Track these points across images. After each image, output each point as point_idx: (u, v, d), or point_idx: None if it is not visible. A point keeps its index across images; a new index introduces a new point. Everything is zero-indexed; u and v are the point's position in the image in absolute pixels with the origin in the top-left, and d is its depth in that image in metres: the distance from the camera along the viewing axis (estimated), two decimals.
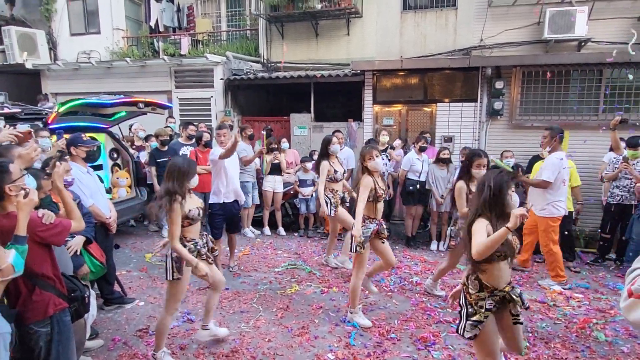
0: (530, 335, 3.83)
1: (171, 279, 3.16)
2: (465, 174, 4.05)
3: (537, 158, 6.10)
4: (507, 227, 2.29)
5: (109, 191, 5.91)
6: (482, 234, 2.44)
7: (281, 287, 4.84)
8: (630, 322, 1.31)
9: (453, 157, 6.75)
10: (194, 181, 3.25)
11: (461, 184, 4.04)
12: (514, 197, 2.60)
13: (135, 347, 3.59)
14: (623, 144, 5.61)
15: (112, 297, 4.21)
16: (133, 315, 4.14)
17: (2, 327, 2.05)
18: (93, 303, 3.45)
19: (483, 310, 2.53)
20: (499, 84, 7.00)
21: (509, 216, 2.35)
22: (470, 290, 2.59)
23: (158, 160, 6.44)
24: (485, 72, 7.03)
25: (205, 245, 3.37)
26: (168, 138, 6.61)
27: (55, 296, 2.52)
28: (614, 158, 5.62)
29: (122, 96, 5.60)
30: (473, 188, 3.77)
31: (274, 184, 6.85)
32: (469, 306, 2.58)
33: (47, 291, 2.48)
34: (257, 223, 7.16)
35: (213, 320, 3.67)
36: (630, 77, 6.53)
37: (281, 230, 7.08)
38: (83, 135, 3.99)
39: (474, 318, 2.54)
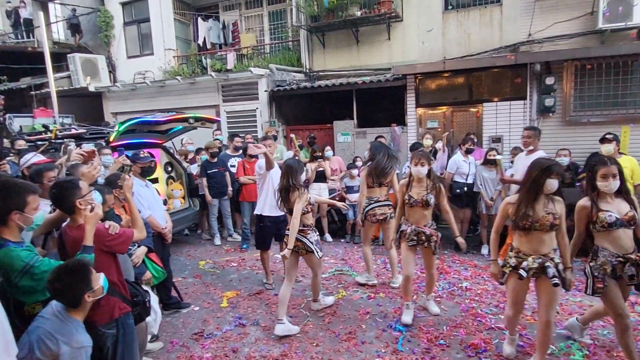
0: (591, 343, 3.62)
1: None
2: (591, 189, 3.12)
3: (595, 156, 5.76)
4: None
5: (164, 203, 6.27)
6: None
7: (328, 293, 4.90)
8: None
9: (503, 157, 6.53)
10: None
11: (584, 202, 3.12)
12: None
13: (192, 349, 3.79)
14: None
15: (169, 302, 4.47)
16: (189, 319, 4.37)
17: (85, 341, 2.27)
18: (158, 307, 3.71)
19: (508, 266, 3.16)
20: (549, 80, 6.71)
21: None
22: (509, 252, 3.24)
23: (208, 172, 6.76)
24: (534, 68, 6.75)
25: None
26: (217, 150, 6.93)
27: (120, 300, 2.74)
28: None
29: (174, 113, 5.95)
30: (603, 206, 3.00)
31: (319, 192, 6.95)
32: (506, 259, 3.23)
33: (113, 296, 2.71)
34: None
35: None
36: None
37: (328, 237, 7.15)
38: (142, 152, 4.31)
39: (504, 269, 3.20)
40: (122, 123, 5.14)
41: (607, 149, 5.35)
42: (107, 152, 4.61)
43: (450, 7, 8.38)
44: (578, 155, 6.32)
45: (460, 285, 4.99)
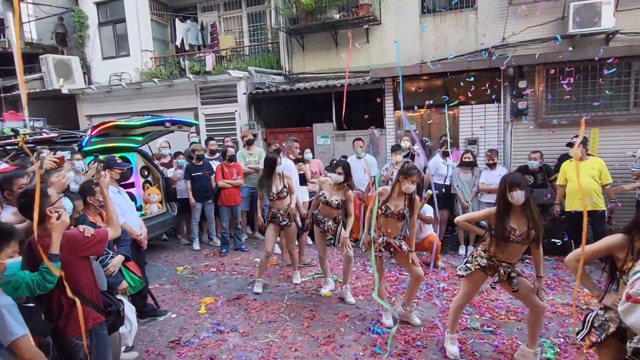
0: (562, 341, 3.73)
1: None
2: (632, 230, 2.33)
3: (565, 157, 5.94)
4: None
5: (139, 209, 6.16)
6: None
7: (307, 297, 4.91)
8: (629, 325, 1.29)
9: (479, 159, 6.67)
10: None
11: (620, 240, 2.36)
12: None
13: (168, 358, 3.74)
14: None
15: (145, 310, 4.39)
16: (165, 327, 4.31)
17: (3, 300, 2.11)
18: (134, 318, 3.65)
19: (477, 264, 3.30)
20: (522, 84, 6.86)
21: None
22: (479, 248, 3.38)
23: (193, 175, 6.70)
24: (508, 72, 6.90)
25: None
26: (203, 153, 6.87)
27: (94, 310, 2.70)
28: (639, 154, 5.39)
29: (149, 116, 5.86)
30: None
31: (300, 194, 6.94)
32: (470, 256, 3.41)
33: (86, 306, 2.66)
34: None
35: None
36: None
37: (308, 240, 7.15)
38: (116, 157, 4.23)
39: (469, 265, 3.35)
40: (95, 127, 5.00)
41: (575, 152, 5.53)
42: (79, 158, 4.50)
43: (427, 11, 8.50)
44: (550, 156, 6.50)
45: (437, 286, 5.06)
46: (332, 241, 4.83)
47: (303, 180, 6.96)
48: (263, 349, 3.78)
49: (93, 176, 3.71)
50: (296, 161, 6.92)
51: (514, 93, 7.07)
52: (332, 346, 3.78)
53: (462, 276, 3.40)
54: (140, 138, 6.24)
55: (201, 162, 6.77)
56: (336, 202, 4.59)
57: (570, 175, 5.46)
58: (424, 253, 6.01)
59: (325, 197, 4.62)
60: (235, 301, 4.87)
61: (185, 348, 3.88)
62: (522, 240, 3.11)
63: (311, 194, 7.06)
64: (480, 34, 8.01)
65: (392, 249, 4.02)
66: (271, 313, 4.52)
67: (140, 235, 4.09)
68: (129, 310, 3.61)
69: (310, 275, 5.59)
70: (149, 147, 6.95)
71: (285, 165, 6.11)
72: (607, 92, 6.70)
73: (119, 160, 4.10)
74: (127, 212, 4.00)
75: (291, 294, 5.00)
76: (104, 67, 11.29)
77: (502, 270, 3.22)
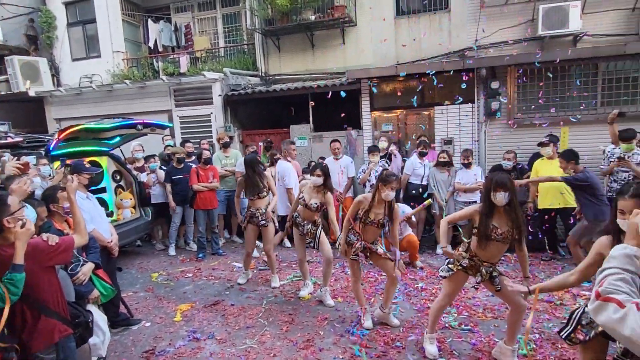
0: (538, 337, 3.78)
1: None
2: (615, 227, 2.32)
3: (537, 156, 6.08)
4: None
5: (110, 214, 5.98)
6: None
7: (286, 300, 4.85)
8: (600, 325, 1.29)
9: (454, 159, 6.75)
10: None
11: (603, 241, 2.40)
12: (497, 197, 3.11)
13: None
14: None
15: (117, 319, 4.25)
16: (139, 336, 4.17)
17: None
18: (106, 328, 3.51)
19: (459, 264, 3.30)
20: (494, 84, 6.99)
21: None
22: (460, 248, 3.42)
23: (173, 178, 6.57)
24: (480, 73, 7.02)
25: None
26: (184, 156, 6.74)
27: (60, 323, 2.58)
28: (609, 152, 5.55)
29: (120, 119, 5.69)
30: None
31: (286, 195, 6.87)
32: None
33: (52, 318, 2.54)
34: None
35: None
36: None
37: (286, 242, 7.10)
38: (84, 161, 4.08)
39: (451, 266, 3.35)
40: (63, 130, 4.81)
41: (546, 151, 5.67)
42: (45, 163, 4.32)
43: (401, 13, 8.56)
44: (523, 155, 6.63)
45: (416, 285, 5.09)
46: (312, 244, 4.78)
47: None
48: (241, 356, 3.70)
49: (60, 181, 3.57)
50: (276, 162, 6.86)
51: (485, 93, 7.19)
52: (311, 350, 3.73)
53: (444, 277, 3.40)
54: (113, 141, 6.05)
55: (182, 165, 6.64)
56: (315, 205, 4.56)
57: (542, 174, 5.59)
58: (403, 253, 6.03)
59: (304, 200, 4.59)
60: (212, 307, 4.77)
61: (160, 358, 3.77)
62: (503, 239, 3.13)
63: None
64: (453, 36, 8.12)
65: (368, 252, 4.02)
66: (249, 318, 4.44)
67: (111, 241, 3.95)
68: (101, 319, 3.48)
69: (289, 278, 5.53)
70: (121, 151, 6.75)
71: (285, 167, 6.09)
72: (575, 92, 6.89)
73: (87, 165, 3.95)
74: (96, 218, 3.86)
75: (270, 298, 4.94)
76: (73, 69, 10.92)
77: (484, 270, 3.23)
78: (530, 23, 7.62)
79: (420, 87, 7.44)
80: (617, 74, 6.79)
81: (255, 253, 6.58)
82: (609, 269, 1.33)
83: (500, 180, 3.07)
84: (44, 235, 2.50)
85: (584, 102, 6.92)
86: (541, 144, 5.82)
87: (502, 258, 5.88)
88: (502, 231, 3.13)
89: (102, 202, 6.18)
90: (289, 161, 6.47)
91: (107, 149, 6.30)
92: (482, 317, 4.22)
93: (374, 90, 7.77)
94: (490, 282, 3.28)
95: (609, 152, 5.57)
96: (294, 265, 6.02)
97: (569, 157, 5.01)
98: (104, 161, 6.21)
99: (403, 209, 5.78)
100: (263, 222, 5.06)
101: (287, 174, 6.13)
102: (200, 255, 6.55)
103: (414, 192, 6.35)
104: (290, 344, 3.87)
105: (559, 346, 3.59)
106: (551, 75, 6.85)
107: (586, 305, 2.37)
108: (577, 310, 2.51)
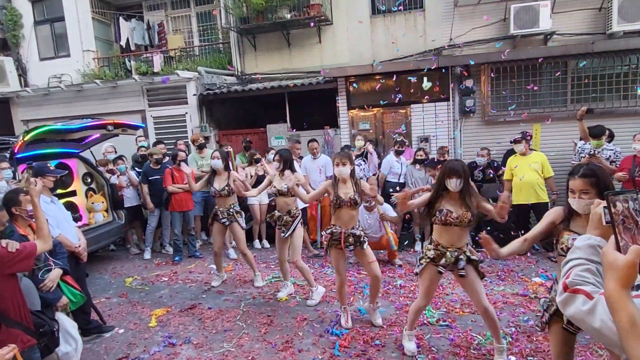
0: (514, 330, 3.83)
1: None
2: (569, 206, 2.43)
3: (511, 152, 6.18)
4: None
5: (77, 219, 5.77)
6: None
7: (265, 302, 4.78)
8: (568, 317, 1.27)
9: (431, 156, 6.80)
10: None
11: (558, 211, 2.53)
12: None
13: None
14: None
15: (89, 327, 4.10)
16: (112, 344, 4.04)
17: None
18: (78, 335, 3.37)
19: (426, 257, 3.27)
20: (468, 82, 7.09)
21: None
22: (426, 243, 3.39)
23: (150, 179, 6.43)
24: (455, 72, 7.10)
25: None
26: (162, 157, 6.59)
27: (23, 333, 2.45)
28: (579, 147, 5.69)
29: (90, 120, 5.51)
30: (572, 225, 2.40)
31: (259, 197, 6.78)
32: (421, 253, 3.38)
33: (14, 328, 2.42)
34: None
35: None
36: None
37: (265, 243, 7.02)
38: (49, 164, 3.92)
39: (420, 261, 3.32)
40: (28, 132, 4.63)
41: (518, 148, 5.78)
42: (6, 166, 4.12)
43: (377, 12, 8.59)
44: (497, 152, 6.74)
45: (394, 283, 5.09)
46: (285, 235, 4.66)
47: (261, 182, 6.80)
48: None
49: (24, 185, 3.41)
50: (256, 161, 6.78)
51: (461, 91, 7.28)
52: (290, 352, 3.68)
53: (417, 273, 3.38)
54: (82, 143, 5.85)
55: (159, 166, 6.48)
56: (285, 188, 4.53)
57: (515, 170, 5.69)
58: (382, 252, 6.04)
59: (275, 187, 4.62)
60: (188, 311, 4.66)
61: None
62: (459, 222, 3.13)
63: (270, 196, 6.94)
64: (428, 35, 8.20)
65: (352, 244, 3.90)
66: (227, 321, 4.35)
67: (79, 246, 3.80)
68: (71, 327, 3.33)
69: (268, 279, 5.46)
70: (91, 152, 6.54)
71: (314, 162, 6.42)
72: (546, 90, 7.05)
73: (52, 167, 3.78)
74: (62, 222, 3.70)
75: (248, 300, 4.86)
76: (41, 69, 10.53)
77: (448, 254, 3.18)
78: (503, 22, 7.76)
79: (398, 86, 7.47)
80: (586, 72, 6.98)
81: (233, 254, 6.50)
82: (574, 260, 1.31)
83: (453, 167, 3.11)
84: (3, 242, 2.37)
85: (555, 99, 7.08)
86: (514, 141, 5.92)
87: (478, 253, 5.98)
88: (457, 215, 3.13)
89: (73, 206, 5.99)
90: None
91: (76, 151, 6.10)
92: (459, 312, 4.26)
93: (354, 85, 7.74)
94: (455, 266, 3.20)
95: (579, 147, 5.71)
96: (272, 266, 5.95)
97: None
98: (73, 163, 6.00)
99: (384, 208, 5.79)
100: (224, 220, 5.04)
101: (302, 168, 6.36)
102: (177, 258, 6.40)
103: (391, 190, 6.34)
104: (269, 346, 3.81)
105: (534, 339, 3.65)
106: (523, 74, 7.00)
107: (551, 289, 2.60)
108: (542, 300, 2.65)
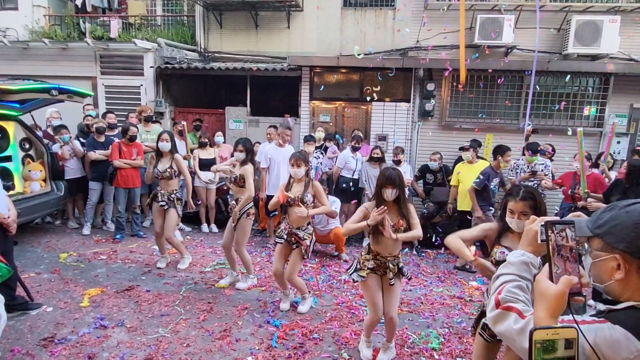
0: (447, 331, 3.99)
1: None
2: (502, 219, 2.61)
3: (460, 159, 6.38)
4: (367, 223, 3.12)
5: (10, 187, 5.37)
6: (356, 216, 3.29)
7: (207, 288, 4.69)
8: (497, 334, 1.28)
9: (386, 156, 6.89)
10: None
11: (492, 226, 2.68)
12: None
13: (38, 358, 3.31)
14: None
15: (14, 302, 3.84)
16: (38, 322, 3.81)
17: None
18: (3, 310, 3.13)
19: (366, 268, 3.29)
20: (430, 86, 7.23)
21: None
22: (362, 252, 3.41)
23: (96, 150, 6.15)
24: (418, 74, 7.21)
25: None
26: (104, 126, 6.27)
27: None
28: (514, 163, 5.94)
29: (31, 81, 5.11)
30: (504, 240, 2.56)
31: (207, 180, 6.62)
32: (357, 263, 3.38)
33: None
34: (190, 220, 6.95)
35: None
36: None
37: (214, 227, 6.88)
38: None
39: (361, 273, 3.31)
40: None
41: (465, 155, 6.00)
42: None
43: (348, 5, 8.54)
44: (450, 157, 6.95)
45: (339, 278, 5.15)
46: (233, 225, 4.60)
47: (209, 166, 6.63)
48: (151, 345, 3.51)
49: None
50: (203, 145, 6.60)
51: (422, 94, 7.41)
52: (227, 340, 3.64)
53: (356, 281, 3.38)
54: (22, 105, 5.42)
55: (103, 138, 6.14)
56: (233, 178, 4.52)
57: (461, 177, 5.89)
58: (330, 246, 6.09)
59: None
60: (125, 292, 4.48)
61: (59, 346, 3.46)
62: (395, 230, 3.15)
63: (220, 180, 6.79)
64: (397, 34, 8.25)
65: (292, 240, 4.01)
66: (165, 306, 4.23)
67: (8, 217, 3.54)
68: None
69: (212, 265, 5.35)
70: (32, 116, 6.09)
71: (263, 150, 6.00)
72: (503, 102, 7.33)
73: None
74: None
75: (189, 285, 4.74)
76: None
77: (390, 265, 3.24)
78: (468, 31, 7.93)
79: (360, 81, 7.50)
80: (541, 89, 7.31)
81: (179, 236, 6.31)
82: (506, 275, 1.31)
83: (389, 177, 3.13)
84: None
85: (509, 112, 7.38)
86: (462, 148, 6.11)
87: (423, 254, 6.18)
88: (392, 223, 3.15)
89: (7, 172, 5.57)
90: (281, 145, 6.14)
91: (15, 114, 5.66)
92: (398, 311, 4.36)
93: (319, 76, 7.69)
94: (399, 273, 3.30)
95: (514, 163, 5.96)
96: (218, 252, 5.84)
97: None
98: (10, 126, 5.56)
99: (334, 200, 5.82)
100: (162, 204, 4.97)
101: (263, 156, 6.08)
102: (118, 236, 6.13)
103: (344, 185, 6.40)
104: (206, 333, 3.74)
105: (465, 340, 3.81)
106: (482, 84, 7.22)
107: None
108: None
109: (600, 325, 1.08)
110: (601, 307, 1.21)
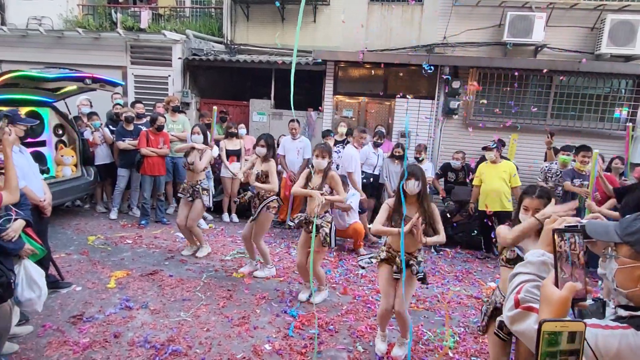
0: (462, 330, 4.00)
1: None
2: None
3: (483, 159, 6.31)
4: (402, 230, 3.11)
5: (45, 171, 5.62)
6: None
7: (227, 276, 4.82)
8: (514, 332, 1.29)
9: (409, 152, 6.89)
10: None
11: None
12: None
13: (67, 334, 3.49)
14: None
15: (46, 280, 4.03)
16: (68, 301, 4.01)
17: None
18: (43, 283, 3.30)
19: (379, 257, 3.45)
20: (455, 84, 7.15)
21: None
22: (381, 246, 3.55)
23: (124, 139, 6.34)
24: (443, 71, 7.15)
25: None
26: (133, 115, 6.50)
27: None
28: (546, 167, 5.84)
29: (66, 70, 5.31)
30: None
31: (234, 170, 6.73)
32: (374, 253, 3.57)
33: None
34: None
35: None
36: None
37: (234, 217, 7.02)
38: (19, 111, 3.78)
39: (372, 259, 3.53)
40: (2, 74, 4.43)
41: (489, 155, 5.93)
42: None
43: (375, 0, 8.50)
44: (473, 156, 6.88)
45: (356, 272, 5.20)
46: (252, 218, 4.69)
47: (238, 157, 6.76)
48: (173, 328, 3.65)
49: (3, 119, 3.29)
50: (231, 135, 6.70)
51: (447, 92, 7.35)
52: (245, 327, 3.75)
53: (363, 267, 3.54)
54: (56, 93, 5.63)
55: (132, 127, 6.35)
56: (256, 173, 4.57)
57: (484, 177, 5.83)
58: (349, 240, 6.14)
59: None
60: (149, 276, 4.65)
61: (87, 324, 3.64)
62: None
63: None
64: (423, 30, 8.18)
65: (310, 228, 4.01)
66: (186, 291, 4.37)
67: (44, 200, 3.72)
68: (37, 274, 3.26)
69: (232, 254, 5.49)
70: (66, 104, 6.32)
71: (351, 154, 5.88)
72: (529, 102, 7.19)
73: (23, 116, 3.65)
74: (29, 174, 3.59)
75: (210, 272, 4.88)
76: (22, 8, 10.00)
77: (398, 260, 3.25)
78: (497, 28, 7.81)
79: (385, 77, 7.48)
80: (569, 89, 7.14)
81: (204, 224, 6.49)
82: (525, 274, 1.31)
83: (410, 170, 3.21)
84: None
85: (536, 112, 7.24)
86: (485, 148, 6.04)
87: (441, 252, 6.17)
88: (411, 217, 3.15)
89: (41, 157, 5.82)
90: (356, 147, 6.11)
91: (50, 100, 5.89)
92: (414, 307, 4.40)
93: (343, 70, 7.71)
94: (410, 271, 3.27)
95: (545, 167, 5.85)
96: (238, 241, 5.97)
97: None
98: (45, 113, 5.80)
99: (353, 194, 5.85)
100: (187, 196, 5.13)
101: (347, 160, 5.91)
102: (143, 222, 6.34)
103: (364, 180, 6.43)
104: (226, 319, 3.86)
105: (480, 340, 3.82)
106: (509, 82, 7.10)
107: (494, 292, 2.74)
108: (485, 304, 2.79)
109: (624, 332, 1.10)
110: (622, 312, 1.22)
